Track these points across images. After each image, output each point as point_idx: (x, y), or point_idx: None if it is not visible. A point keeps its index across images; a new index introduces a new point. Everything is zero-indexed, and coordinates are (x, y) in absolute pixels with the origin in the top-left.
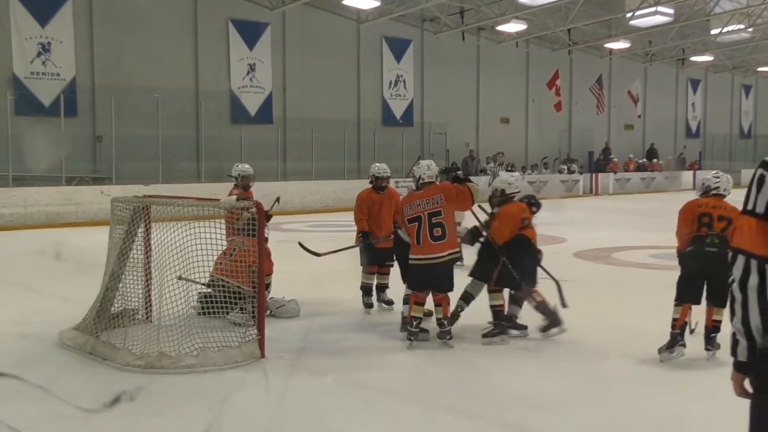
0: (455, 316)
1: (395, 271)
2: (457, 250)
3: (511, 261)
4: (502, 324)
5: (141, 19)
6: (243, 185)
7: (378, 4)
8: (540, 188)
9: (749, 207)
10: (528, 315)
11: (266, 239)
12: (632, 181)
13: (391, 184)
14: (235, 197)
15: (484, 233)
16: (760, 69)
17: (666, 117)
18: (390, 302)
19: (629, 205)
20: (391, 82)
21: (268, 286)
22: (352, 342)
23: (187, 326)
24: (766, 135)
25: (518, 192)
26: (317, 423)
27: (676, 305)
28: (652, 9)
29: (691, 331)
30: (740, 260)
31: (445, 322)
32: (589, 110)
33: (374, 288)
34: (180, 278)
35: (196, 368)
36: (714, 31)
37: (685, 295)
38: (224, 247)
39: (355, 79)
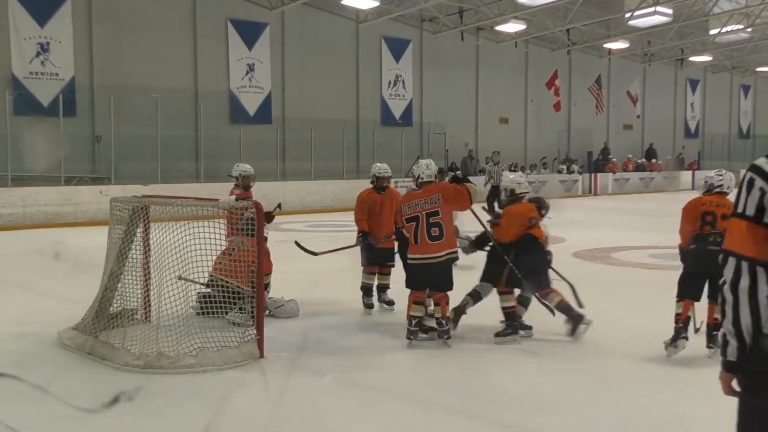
0: (461, 310)
1: (396, 271)
2: (455, 250)
3: (517, 260)
4: (515, 324)
5: (140, 19)
6: (244, 185)
7: (377, 4)
8: (539, 188)
9: (739, 210)
10: (532, 315)
11: (265, 239)
12: (631, 181)
13: (390, 184)
14: (234, 197)
15: (491, 241)
16: (758, 69)
17: (665, 117)
18: (391, 303)
19: (628, 205)
20: (390, 82)
21: (267, 285)
22: (351, 342)
23: (186, 326)
24: (764, 135)
25: (528, 192)
26: (316, 423)
27: (677, 301)
28: (651, 9)
29: (696, 330)
30: (731, 262)
31: (444, 322)
32: (588, 110)
33: (375, 288)
34: (180, 278)
35: (195, 368)
36: (713, 31)
37: (686, 292)
38: (224, 247)
39: (354, 79)
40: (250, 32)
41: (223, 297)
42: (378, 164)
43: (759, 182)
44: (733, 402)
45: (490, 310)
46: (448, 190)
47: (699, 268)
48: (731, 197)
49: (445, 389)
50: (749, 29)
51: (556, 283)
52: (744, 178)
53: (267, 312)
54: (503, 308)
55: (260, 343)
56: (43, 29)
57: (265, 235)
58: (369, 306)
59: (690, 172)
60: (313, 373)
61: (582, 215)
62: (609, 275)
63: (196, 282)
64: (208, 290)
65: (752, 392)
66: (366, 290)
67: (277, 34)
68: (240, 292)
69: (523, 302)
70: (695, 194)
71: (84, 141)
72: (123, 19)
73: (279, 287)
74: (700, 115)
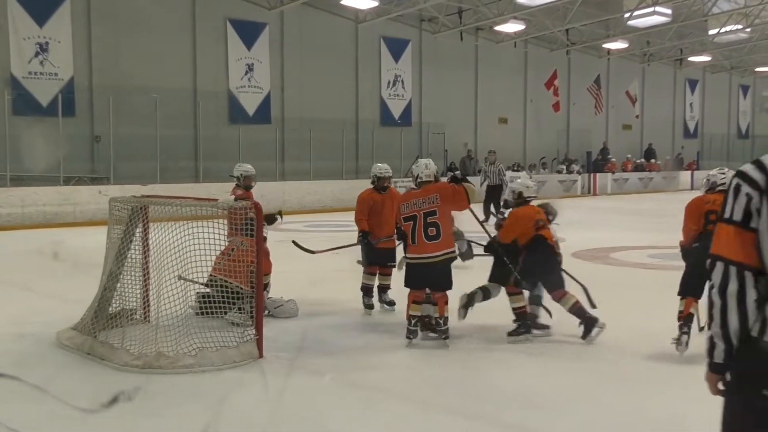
0: (470, 299)
1: (396, 271)
2: (453, 249)
3: (527, 261)
4: (527, 324)
5: (139, 19)
6: (245, 185)
7: (376, 4)
8: (538, 188)
9: (726, 215)
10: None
11: (265, 239)
12: (630, 181)
13: (391, 184)
14: (233, 197)
15: (498, 248)
16: (757, 69)
17: (664, 117)
18: (392, 303)
19: (627, 205)
20: (389, 82)
21: (266, 285)
22: (351, 342)
23: (185, 326)
24: (763, 135)
25: (535, 196)
26: (315, 423)
27: (681, 299)
28: (650, 9)
29: (700, 329)
30: (719, 267)
31: (442, 321)
32: (587, 110)
33: (375, 289)
34: (180, 278)
35: (194, 368)
36: (712, 32)
37: (687, 290)
38: (224, 247)
39: (353, 79)
40: (249, 32)
41: (223, 297)
42: (379, 164)
43: (745, 188)
44: None
45: (490, 310)
46: (446, 189)
47: (701, 266)
48: None
49: (444, 389)
50: (748, 29)
51: (568, 286)
52: (730, 184)
53: (266, 312)
54: (513, 309)
55: (259, 343)
56: (42, 29)
57: (265, 235)
58: (369, 306)
59: (689, 172)
60: (312, 373)
61: (581, 215)
62: (608, 275)
63: (196, 282)
64: (208, 290)
65: (737, 392)
66: (366, 291)
67: (277, 34)
68: (240, 292)
69: (535, 300)
70: (694, 194)
71: (83, 141)
72: (122, 19)
73: (278, 287)
74: (699, 115)
